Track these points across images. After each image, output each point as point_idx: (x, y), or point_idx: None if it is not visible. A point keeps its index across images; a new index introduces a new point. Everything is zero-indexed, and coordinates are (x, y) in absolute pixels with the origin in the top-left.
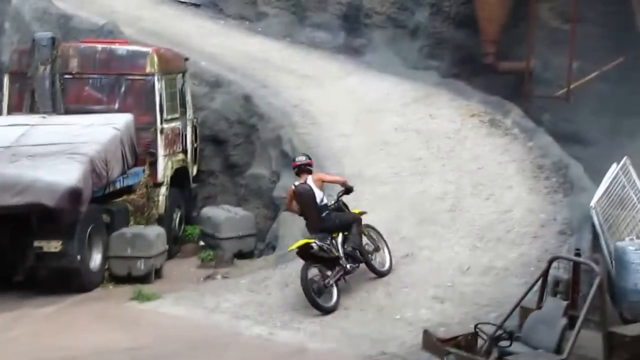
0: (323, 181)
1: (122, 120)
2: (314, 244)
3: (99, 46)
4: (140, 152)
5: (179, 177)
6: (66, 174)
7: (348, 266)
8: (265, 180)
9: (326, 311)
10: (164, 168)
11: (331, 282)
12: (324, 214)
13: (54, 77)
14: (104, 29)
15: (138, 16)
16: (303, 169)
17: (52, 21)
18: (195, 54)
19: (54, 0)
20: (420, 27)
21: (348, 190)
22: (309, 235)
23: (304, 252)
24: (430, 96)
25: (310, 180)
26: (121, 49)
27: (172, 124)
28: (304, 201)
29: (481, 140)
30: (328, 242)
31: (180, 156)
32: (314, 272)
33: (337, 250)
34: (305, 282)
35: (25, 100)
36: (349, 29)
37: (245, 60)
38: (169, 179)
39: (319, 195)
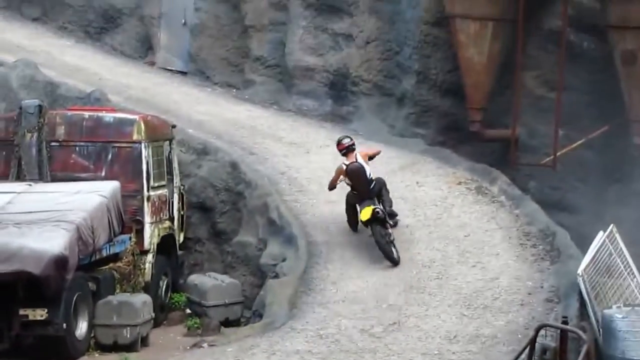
0: (369, 156)
1: (108, 188)
2: (378, 210)
3: (86, 114)
4: (126, 220)
5: (166, 244)
6: (52, 242)
7: (391, 222)
8: (252, 247)
9: (396, 262)
10: (151, 235)
11: (393, 237)
12: (372, 186)
13: (40, 144)
14: (91, 96)
15: (125, 84)
16: (350, 149)
17: (39, 89)
18: (182, 122)
19: (42, 68)
20: (406, 95)
21: (372, 157)
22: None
23: (372, 217)
24: (416, 164)
25: (359, 157)
26: (108, 116)
27: (159, 192)
28: (356, 176)
29: (468, 208)
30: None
31: (167, 223)
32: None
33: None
34: (381, 239)
35: (11, 168)
36: (336, 96)
37: (233, 128)
38: (155, 247)
39: (367, 170)
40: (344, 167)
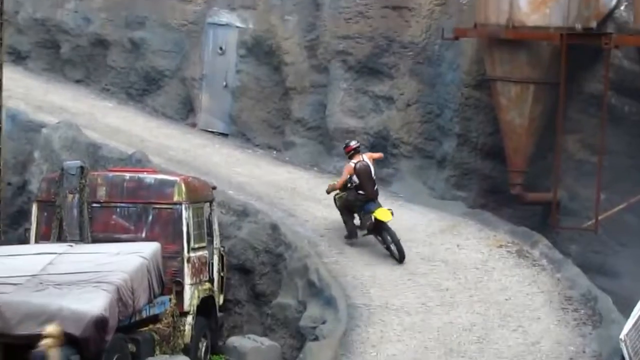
0: (373, 158)
1: (149, 249)
2: (391, 210)
3: (127, 175)
4: (166, 281)
5: (205, 306)
6: (92, 303)
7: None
8: (292, 309)
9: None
10: (191, 297)
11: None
12: (375, 186)
13: (82, 205)
14: (132, 158)
15: (166, 145)
16: (357, 150)
17: (81, 150)
18: (223, 183)
19: (84, 129)
20: (447, 158)
21: (375, 159)
22: None
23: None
24: (457, 226)
25: (366, 157)
26: (149, 177)
27: (199, 253)
28: (363, 175)
29: (509, 271)
30: None
31: (207, 285)
32: None
33: None
34: (395, 237)
35: (53, 229)
36: None
37: (273, 190)
38: (195, 308)
39: (373, 169)
40: (353, 165)
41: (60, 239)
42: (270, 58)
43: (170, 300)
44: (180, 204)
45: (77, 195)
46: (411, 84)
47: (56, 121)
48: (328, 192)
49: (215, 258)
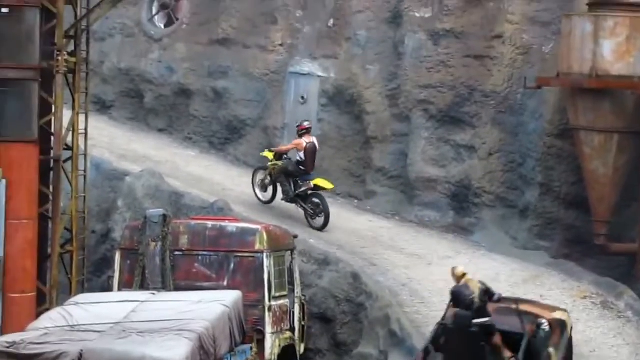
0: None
1: (230, 298)
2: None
3: (209, 223)
4: (248, 330)
5: (286, 355)
6: (174, 351)
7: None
8: (373, 359)
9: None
10: (272, 346)
11: None
12: (314, 163)
13: (164, 253)
14: (214, 206)
15: (248, 194)
16: (308, 131)
17: (164, 198)
18: (304, 232)
19: (166, 177)
20: (530, 207)
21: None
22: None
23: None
24: (540, 277)
25: (314, 139)
26: (231, 226)
27: (280, 302)
28: (310, 154)
29: (593, 323)
30: None
31: (288, 334)
32: None
33: None
34: (327, 208)
35: (136, 277)
36: (458, 208)
37: (354, 238)
38: (276, 357)
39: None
40: (305, 143)
41: (143, 286)
42: (351, 107)
43: (251, 349)
44: (262, 252)
45: (159, 244)
46: (493, 133)
47: (139, 170)
48: (271, 150)
49: (297, 307)
